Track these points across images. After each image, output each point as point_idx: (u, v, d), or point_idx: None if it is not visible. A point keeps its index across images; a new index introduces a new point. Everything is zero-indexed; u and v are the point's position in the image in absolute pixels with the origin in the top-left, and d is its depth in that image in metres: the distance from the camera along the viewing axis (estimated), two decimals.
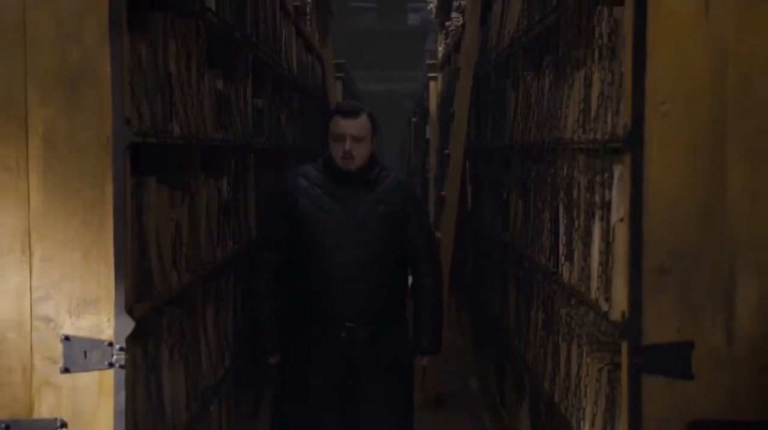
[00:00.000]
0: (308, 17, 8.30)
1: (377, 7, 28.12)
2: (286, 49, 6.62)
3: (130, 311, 2.54)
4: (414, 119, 15.88)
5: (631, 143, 2.49)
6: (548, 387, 3.67)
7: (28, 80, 2.49)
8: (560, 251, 3.45)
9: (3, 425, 2.49)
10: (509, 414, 4.93)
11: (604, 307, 2.76)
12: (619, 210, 2.63)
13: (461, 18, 7.45)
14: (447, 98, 8.88)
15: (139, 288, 2.74)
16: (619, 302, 2.59)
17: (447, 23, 9.39)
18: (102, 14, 2.48)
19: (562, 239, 3.40)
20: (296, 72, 7.18)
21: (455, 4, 8.29)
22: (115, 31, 2.49)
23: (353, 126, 3.61)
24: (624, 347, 2.54)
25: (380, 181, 3.68)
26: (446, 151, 7.03)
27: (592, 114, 2.92)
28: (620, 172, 2.62)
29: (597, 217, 2.89)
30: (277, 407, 3.78)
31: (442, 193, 6.64)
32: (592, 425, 2.94)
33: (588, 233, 2.99)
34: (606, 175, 2.78)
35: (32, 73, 2.49)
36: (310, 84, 8.44)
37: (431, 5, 11.47)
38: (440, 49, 11.04)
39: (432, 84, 11.17)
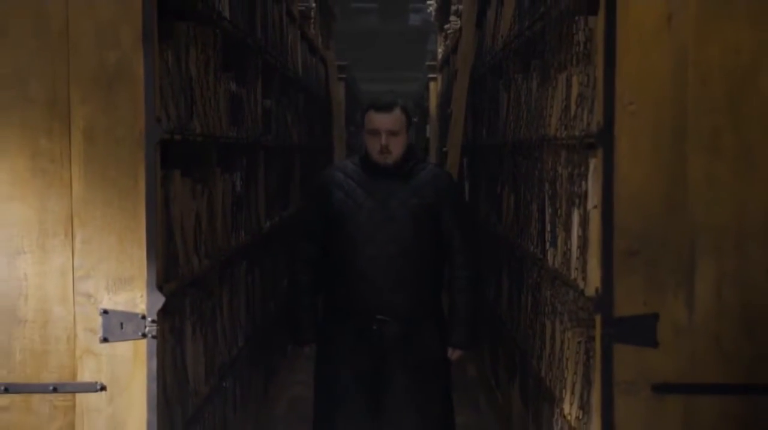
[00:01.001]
0: (312, 21, 8.63)
1: (378, 8, 28.32)
2: (292, 52, 6.95)
3: (160, 288, 2.86)
4: (415, 119, 16.22)
5: (603, 139, 2.82)
6: (536, 364, 4.00)
7: (71, 81, 2.81)
8: (546, 238, 3.78)
9: (51, 387, 2.82)
10: (502, 394, 5.25)
11: (581, 285, 3.10)
12: (593, 198, 2.96)
13: (459, 21, 7.78)
14: (446, 99, 9.21)
15: (167, 269, 3.07)
16: (594, 280, 2.92)
17: (446, 26, 9.71)
18: (136, 24, 2.81)
19: (547, 226, 3.73)
20: (301, 74, 7.51)
21: (453, 8, 8.62)
22: (148, 39, 2.81)
23: (388, 120, 3.63)
24: (597, 319, 2.87)
25: (415, 174, 3.68)
26: (444, 149, 7.35)
27: (572, 113, 3.25)
28: (594, 164, 2.95)
29: (576, 205, 3.22)
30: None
31: None
32: (572, 392, 3.27)
33: (568, 220, 3.32)
34: (583, 167, 3.11)
35: (74, 74, 2.81)
36: (314, 85, 8.77)
37: (431, 8, 11.80)
38: (440, 50, 11.38)
39: (432, 85, 11.53)
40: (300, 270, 3.76)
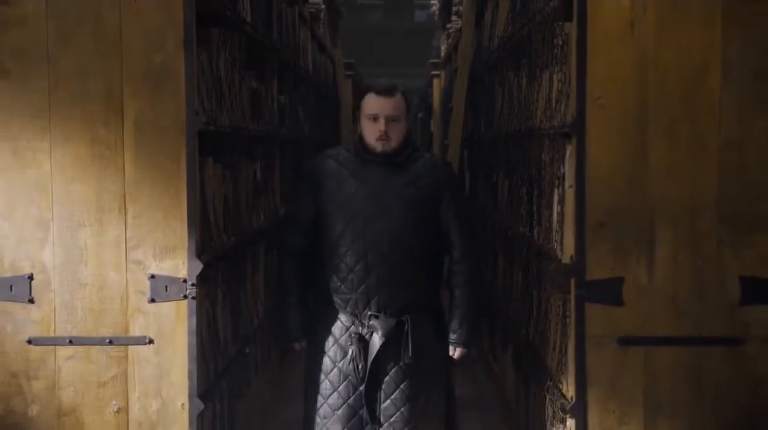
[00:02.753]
0: (321, 22, 9.12)
1: (384, 5, 28.67)
2: (303, 51, 7.45)
3: (199, 256, 3.36)
4: (420, 115, 16.69)
5: (576, 128, 3.31)
6: (525, 331, 4.49)
7: (123, 79, 3.30)
8: (533, 217, 4.26)
9: (107, 340, 3.31)
10: (498, 364, 5.75)
11: (559, 254, 3.59)
12: (569, 179, 3.45)
13: (460, 21, 8.27)
14: (448, 94, 9.70)
15: (202, 243, 3.56)
16: (569, 249, 3.41)
17: (448, 25, 10.19)
18: (178, 30, 3.29)
19: (534, 207, 4.22)
20: (312, 72, 8.01)
21: (455, 9, 9.11)
22: (188, 43, 3.30)
23: (389, 105, 3.39)
24: (572, 282, 3.36)
25: (412, 163, 3.43)
26: (446, 142, 7.84)
27: (553, 106, 3.74)
28: (570, 150, 3.43)
29: (556, 186, 3.71)
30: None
31: None
32: (554, 349, 3.76)
33: (550, 199, 3.81)
34: (561, 153, 3.60)
35: (126, 73, 3.30)
36: (324, 82, 9.27)
37: (434, 7, 12.28)
38: (443, 48, 11.86)
39: (435, 81, 11.99)
40: (287, 264, 3.54)
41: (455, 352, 3.54)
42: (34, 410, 3.30)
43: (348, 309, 3.42)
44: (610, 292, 3.32)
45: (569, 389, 3.42)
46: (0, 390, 3.29)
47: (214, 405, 3.66)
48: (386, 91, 3.43)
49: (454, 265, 3.51)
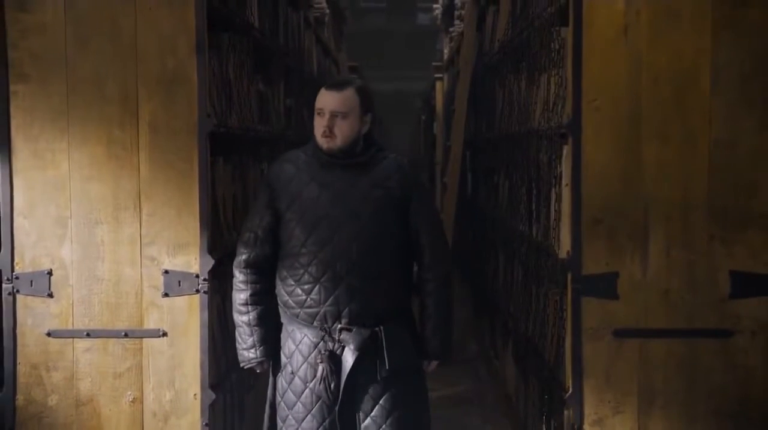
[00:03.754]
0: (326, 26, 9.27)
1: (387, 8, 28.79)
2: (308, 55, 7.59)
3: (210, 252, 3.50)
4: (423, 117, 16.84)
5: (573, 129, 3.45)
6: (524, 326, 4.62)
7: (139, 83, 3.44)
8: (532, 216, 4.40)
9: (123, 333, 3.46)
10: (498, 360, 5.88)
11: (557, 250, 3.72)
12: (565, 178, 3.58)
13: (462, 25, 8.41)
14: (451, 97, 9.84)
15: (214, 239, 3.70)
16: (565, 245, 3.55)
17: (451, 29, 10.34)
18: (191, 36, 3.44)
19: (533, 205, 4.36)
20: (317, 75, 8.16)
21: (457, 12, 9.25)
22: (200, 48, 3.45)
23: (335, 99, 3.13)
24: (568, 277, 3.50)
25: (376, 164, 3.18)
26: (448, 144, 7.98)
27: (550, 108, 3.88)
28: (566, 150, 3.57)
29: (553, 185, 3.84)
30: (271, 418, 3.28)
31: (444, 179, 7.60)
32: (551, 342, 3.89)
33: (548, 198, 3.95)
34: (558, 153, 3.74)
35: (141, 77, 3.44)
36: None
37: (437, 11, 12.43)
38: (446, 51, 12.01)
39: (438, 84, 12.13)
40: (244, 279, 3.19)
41: (428, 366, 3.28)
42: (53, 400, 3.44)
43: (316, 324, 3.13)
44: (606, 286, 3.45)
45: (566, 380, 3.55)
46: (21, 381, 3.44)
47: (225, 396, 3.81)
48: (335, 85, 3.19)
49: (424, 271, 3.24)
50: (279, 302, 3.20)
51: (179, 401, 3.46)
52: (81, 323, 3.45)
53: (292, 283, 3.15)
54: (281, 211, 3.16)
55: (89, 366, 3.46)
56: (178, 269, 3.47)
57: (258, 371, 3.27)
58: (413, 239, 3.22)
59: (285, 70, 5.93)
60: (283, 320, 3.21)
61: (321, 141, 3.15)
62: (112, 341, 3.46)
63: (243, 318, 3.21)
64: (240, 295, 3.20)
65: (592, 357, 3.47)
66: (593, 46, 3.41)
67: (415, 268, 3.29)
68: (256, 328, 3.20)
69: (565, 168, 3.59)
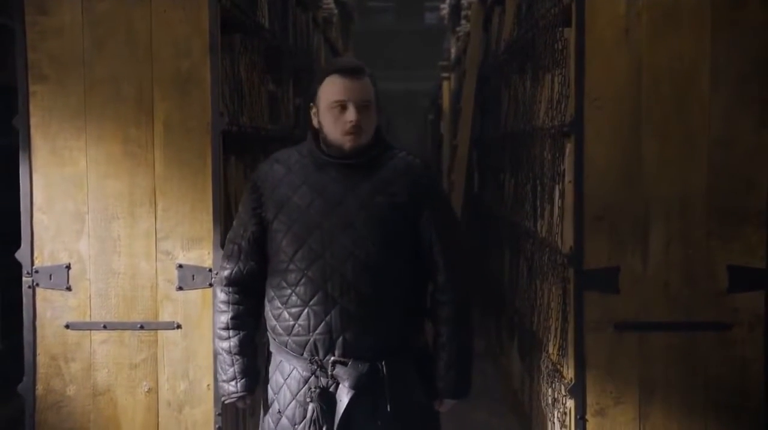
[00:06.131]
0: (333, 26, 9.38)
1: (395, 7, 28.86)
2: (317, 55, 7.70)
3: (223, 247, 3.59)
4: (430, 117, 16.93)
5: (575, 128, 3.54)
6: (529, 320, 4.72)
7: (154, 83, 3.55)
8: (537, 213, 4.50)
9: (139, 325, 3.57)
10: (505, 356, 5.98)
11: (560, 246, 3.82)
12: (568, 175, 3.68)
13: (468, 25, 8.51)
14: (457, 96, 9.94)
15: (227, 234, 3.79)
16: (568, 240, 3.65)
17: (457, 28, 10.43)
18: (204, 38, 3.54)
19: (538, 202, 4.46)
20: None
21: (463, 13, 9.35)
22: (214, 50, 3.55)
23: (358, 88, 2.68)
24: (571, 271, 3.60)
25: (382, 164, 2.72)
26: (455, 142, 8.08)
27: (554, 107, 3.98)
28: (569, 148, 3.67)
29: (557, 182, 3.94)
30: None
31: (451, 178, 7.70)
32: (555, 336, 3.99)
33: (551, 194, 4.05)
34: (561, 151, 3.83)
35: (156, 78, 3.54)
36: None
37: (444, 11, 12.52)
38: (452, 51, 12.11)
39: (445, 84, 12.23)
40: (226, 299, 2.78)
41: (441, 404, 2.78)
42: (71, 390, 3.56)
43: (305, 355, 2.66)
44: (607, 280, 3.54)
45: (569, 372, 3.65)
46: (41, 371, 3.55)
47: None
48: (353, 71, 2.70)
49: (439, 293, 2.74)
50: (267, 326, 2.75)
51: (193, 391, 3.57)
52: (98, 316, 3.56)
53: (279, 305, 2.69)
54: (268, 220, 2.72)
55: (106, 357, 3.56)
56: (191, 263, 3.58)
57: (240, 406, 2.86)
58: (426, 255, 2.72)
59: (294, 70, 6.03)
60: (272, 348, 2.77)
61: (344, 140, 2.67)
62: (128, 333, 3.57)
63: (223, 344, 2.77)
64: (221, 317, 2.77)
65: (594, 349, 3.56)
66: (595, 47, 3.51)
67: (430, 288, 2.79)
68: (238, 357, 2.76)
69: (568, 165, 3.69)
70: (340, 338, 2.64)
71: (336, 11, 9.39)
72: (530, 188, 4.70)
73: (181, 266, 3.57)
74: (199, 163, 3.57)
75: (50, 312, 3.56)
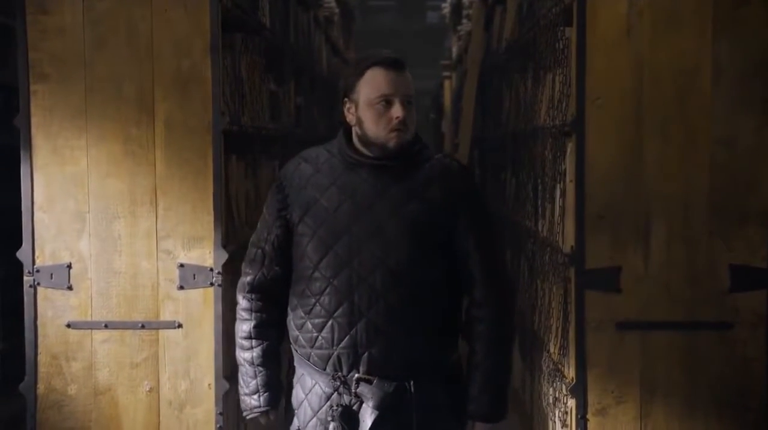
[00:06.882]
0: (335, 25, 9.38)
1: (396, 6, 28.87)
2: (318, 54, 7.70)
3: (224, 246, 3.60)
4: (432, 115, 16.93)
5: (576, 127, 3.54)
6: (530, 320, 4.72)
7: (155, 83, 3.55)
8: (538, 212, 4.50)
9: (140, 325, 3.57)
10: None
11: (561, 245, 3.82)
12: (570, 175, 3.68)
13: (470, 24, 8.51)
14: (459, 96, 9.94)
15: (227, 234, 3.80)
16: (569, 240, 3.64)
17: (459, 27, 10.43)
18: (205, 37, 3.54)
19: (539, 202, 4.45)
20: (326, 74, 8.26)
21: (465, 12, 9.35)
22: (215, 49, 3.55)
23: (404, 81, 2.52)
24: (572, 271, 3.60)
25: (418, 167, 2.55)
26: (456, 141, 8.08)
27: (555, 106, 3.97)
28: (570, 148, 3.66)
29: (558, 181, 3.94)
30: None
31: None
32: (556, 335, 3.99)
33: (552, 194, 4.04)
34: (562, 150, 3.83)
35: (157, 77, 3.55)
36: (337, 83, 9.52)
37: (446, 10, 12.52)
38: (454, 50, 12.11)
39: (447, 83, 12.23)
40: (248, 306, 2.63)
41: (473, 428, 2.58)
42: (72, 389, 3.56)
43: (328, 370, 2.51)
44: (609, 280, 3.54)
45: (570, 371, 3.65)
46: (42, 370, 3.55)
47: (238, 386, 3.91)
48: (398, 64, 2.53)
49: (475, 308, 2.56)
50: (290, 337, 2.60)
51: (194, 390, 3.57)
52: (99, 315, 3.56)
53: (303, 315, 2.53)
54: (293, 223, 2.55)
55: (107, 356, 3.57)
56: (192, 262, 3.57)
57: (263, 422, 2.67)
58: (461, 266, 2.54)
59: (295, 70, 6.03)
60: (295, 360, 2.61)
61: (389, 137, 2.50)
62: (129, 332, 3.57)
63: (245, 355, 2.61)
64: (243, 326, 2.62)
65: (595, 349, 3.56)
66: (597, 46, 3.50)
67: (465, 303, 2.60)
68: (261, 368, 2.60)
69: (569, 165, 3.68)
70: (366, 354, 2.48)
71: (337, 10, 9.39)
72: (531, 188, 4.70)
73: (182, 265, 3.57)
74: (200, 163, 3.57)
75: (51, 311, 3.56)
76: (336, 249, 2.50)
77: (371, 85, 2.51)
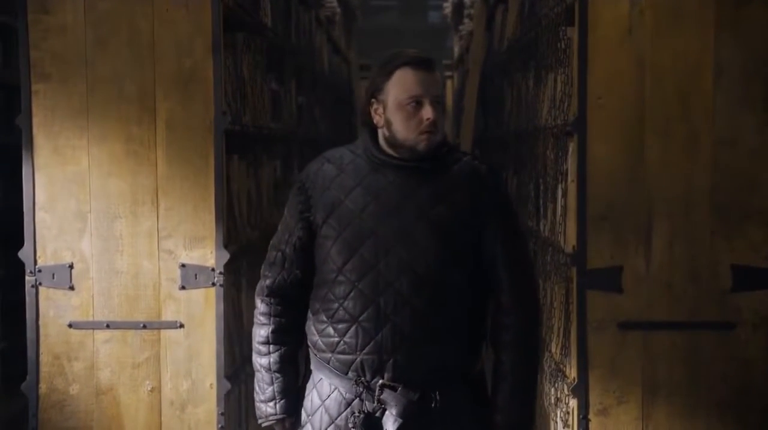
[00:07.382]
0: (336, 24, 9.38)
1: (398, 5, 28.88)
2: (320, 54, 7.70)
3: (226, 247, 3.60)
4: None
5: (578, 127, 3.53)
6: None
7: (156, 82, 3.55)
8: (540, 212, 4.49)
9: (142, 325, 3.56)
10: None
11: (563, 245, 3.82)
12: (571, 174, 3.68)
13: (472, 24, 8.51)
14: (461, 95, 9.94)
15: (228, 234, 3.80)
16: (571, 240, 3.64)
17: (460, 27, 10.43)
18: (207, 37, 3.54)
19: (540, 201, 4.45)
20: (327, 73, 8.26)
21: (466, 11, 9.35)
22: (216, 49, 3.55)
23: (434, 82, 2.47)
24: (574, 271, 3.59)
25: (445, 169, 2.49)
26: (457, 141, 8.08)
27: (557, 106, 3.97)
28: (572, 147, 3.66)
29: (560, 181, 3.94)
30: None
31: None
32: (558, 335, 3.99)
33: (554, 193, 4.04)
34: (564, 150, 3.83)
35: (159, 76, 3.55)
36: (339, 83, 9.53)
37: (447, 10, 12.52)
38: (456, 49, 12.11)
39: (448, 82, 12.23)
40: (267, 310, 2.57)
41: None
42: (74, 389, 3.56)
43: (350, 375, 2.45)
44: (610, 279, 3.54)
45: (572, 371, 3.65)
46: (44, 370, 3.55)
47: (239, 386, 3.91)
48: (428, 63, 2.48)
49: (502, 315, 2.50)
50: (308, 341, 2.53)
51: (196, 390, 3.57)
52: (101, 315, 3.56)
53: (324, 319, 2.46)
54: (316, 225, 2.48)
55: (109, 356, 3.57)
56: (194, 262, 3.57)
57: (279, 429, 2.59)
58: (489, 271, 2.50)
59: (297, 69, 6.03)
60: (312, 364, 2.54)
61: (419, 139, 2.45)
62: (131, 332, 3.57)
63: (262, 361, 2.55)
64: (260, 331, 2.56)
65: (597, 349, 3.56)
66: (598, 46, 3.50)
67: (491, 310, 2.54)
68: (278, 375, 2.53)
69: (571, 165, 3.68)
70: (391, 360, 2.42)
71: (339, 10, 9.39)
72: (533, 187, 4.69)
73: (183, 265, 3.57)
74: (202, 163, 3.57)
75: (53, 311, 3.56)
76: (361, 252, 2.44)
77: (401, 86, 2.46)
